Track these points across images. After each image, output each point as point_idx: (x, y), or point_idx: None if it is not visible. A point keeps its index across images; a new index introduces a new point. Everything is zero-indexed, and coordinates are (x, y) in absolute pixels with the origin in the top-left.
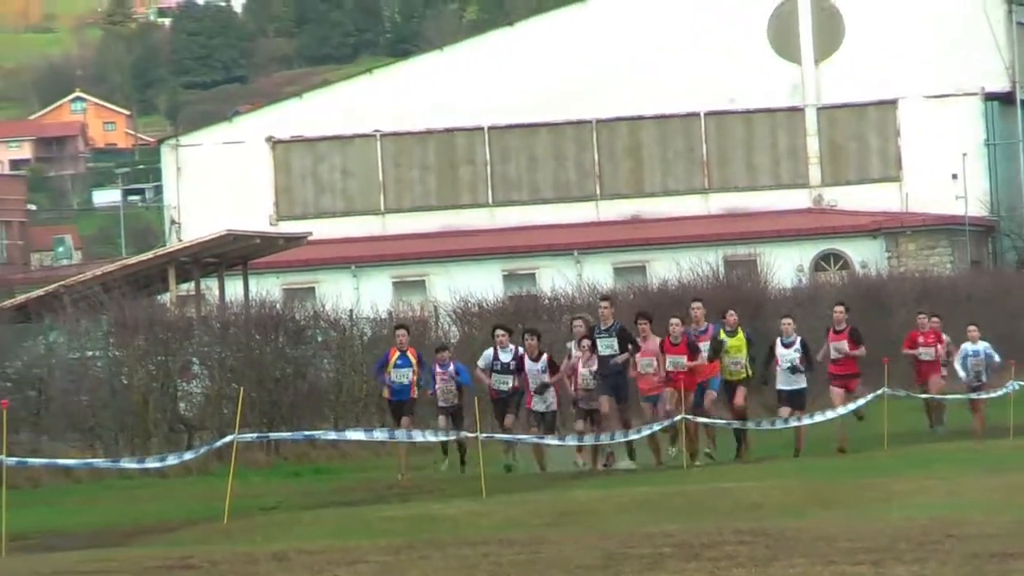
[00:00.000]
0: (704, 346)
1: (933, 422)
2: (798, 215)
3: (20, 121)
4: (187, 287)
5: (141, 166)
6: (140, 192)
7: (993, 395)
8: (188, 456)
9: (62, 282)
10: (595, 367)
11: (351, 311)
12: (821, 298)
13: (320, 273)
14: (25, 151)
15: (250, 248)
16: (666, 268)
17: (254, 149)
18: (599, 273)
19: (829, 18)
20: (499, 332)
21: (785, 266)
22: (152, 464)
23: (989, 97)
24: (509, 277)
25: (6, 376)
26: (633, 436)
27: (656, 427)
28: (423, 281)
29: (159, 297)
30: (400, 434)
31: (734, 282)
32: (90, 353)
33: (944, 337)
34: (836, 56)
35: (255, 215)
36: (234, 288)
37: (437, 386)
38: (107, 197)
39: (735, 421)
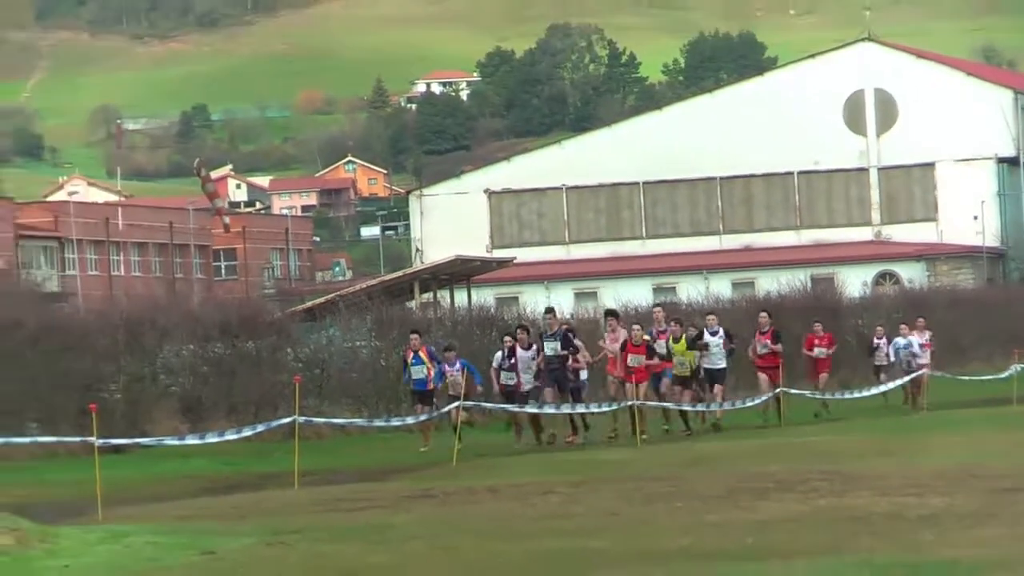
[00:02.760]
0: (661, 344)
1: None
2: (863, 245)
3: (308, 177)
4: (427, 296)
5: (395, 210)
6: (394, 229)
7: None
8: (423, 418)
9: (338, 292)
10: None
11: (543, 314)
12: (880, 305)
13: (522, 286)
14: (311, 199)
15: (472, 268)
16: (769, 283)
17: (476, 198)
18: (721, 287)
19: (887, 103)
20: (506, 338)
21: (854, 282)
22: (394, 423)
23: (1001, 160)
24: (657, 289)
25: (299, 359)
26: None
27: (606, 407)
28: (595, 292)
29: (408, 303)
30: (579, 406)
31: (818, 294)
32: (358, 343)
33: (833, 338)
34: (892, 130)
35: (476, 245)
36: (461, 297)
37: (449, 379)
38: (370, 232)
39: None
